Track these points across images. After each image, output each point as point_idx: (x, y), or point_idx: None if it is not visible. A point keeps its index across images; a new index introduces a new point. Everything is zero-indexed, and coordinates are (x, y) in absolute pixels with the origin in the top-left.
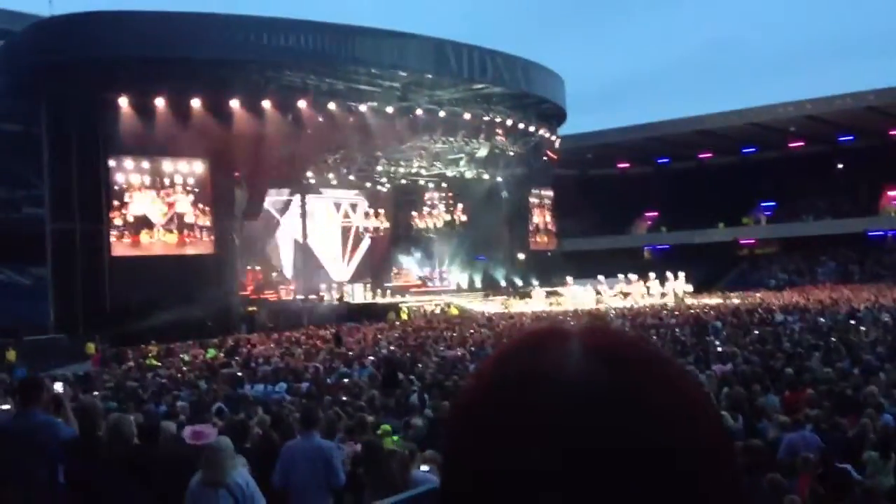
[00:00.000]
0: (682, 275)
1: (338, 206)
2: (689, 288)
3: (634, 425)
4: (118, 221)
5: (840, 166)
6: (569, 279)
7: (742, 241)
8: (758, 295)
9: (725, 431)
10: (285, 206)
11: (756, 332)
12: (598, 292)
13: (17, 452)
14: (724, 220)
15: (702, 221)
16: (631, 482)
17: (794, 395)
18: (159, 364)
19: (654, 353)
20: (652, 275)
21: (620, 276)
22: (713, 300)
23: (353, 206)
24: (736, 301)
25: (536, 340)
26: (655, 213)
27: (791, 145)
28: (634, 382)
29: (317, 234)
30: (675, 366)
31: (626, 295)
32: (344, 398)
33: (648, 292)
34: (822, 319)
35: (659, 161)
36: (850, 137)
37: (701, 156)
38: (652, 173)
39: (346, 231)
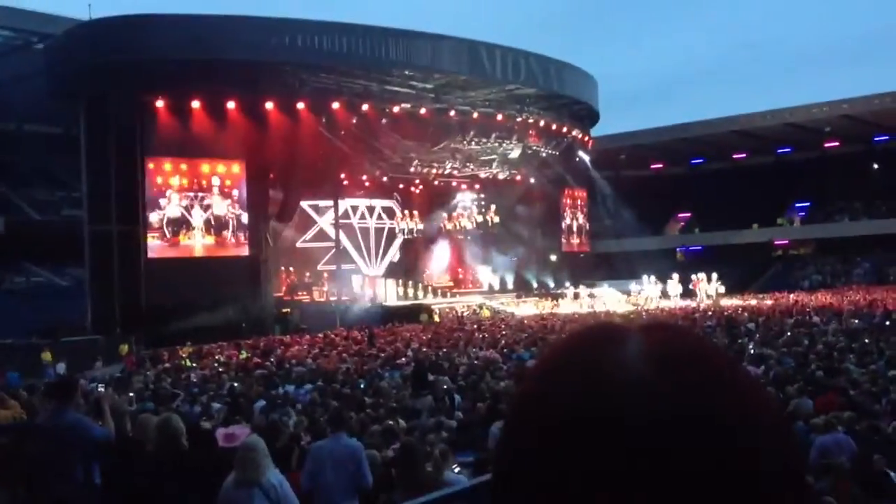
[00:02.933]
0: (714, 276)
1: (371, 208)
2: (722, 289)
3: (689, 429)
4: (155, 223)
5: (876, 166)
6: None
7: (776, 242)
8: (792, 296)
9: (788, 431)
10: (319, 208)
11: (789, 333)
12: (628, 293)
13: (52, 451)
14: (759, 221)
15: (736, 222)
16: (688, 485)
17: (827, 398)
18: (194, 365)
19: (709, 351)
20: (676, 275)
21: (644, 277)
22: (747, 301)
23: (386, 209)
24: (769, 302)
25: (595, 337)
26: (689, 214)
27: (827, 145)
28: (687, 383)
29: (351, 235)
30: (733, 364)
31: (647, 299)
32: (378, 400)
33: (682, 293)
34: (856, 321)
35: (693, 162)
36: (887, 137)
37: (735, 156)
38: (685, 174)
39: (379, 232)
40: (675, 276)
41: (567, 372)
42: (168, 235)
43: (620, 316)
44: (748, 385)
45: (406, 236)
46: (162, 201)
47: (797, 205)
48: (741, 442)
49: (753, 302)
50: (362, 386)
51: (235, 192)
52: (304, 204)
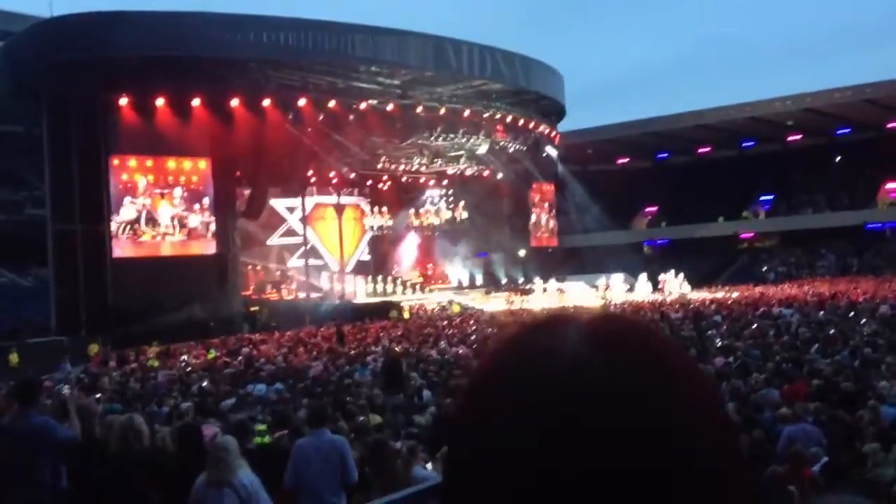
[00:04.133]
0: (681, 275)
1: (340, 205)
2: (687, 287)
3: (626, 409)
4: (119, 222)
5: (838, 159)
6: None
7: (742, 235)
8: (758, 288)
9: (725, 415)
10: (287, 205)
11: (756, 325)
12: (595, 287)
13: (17, 454)
14: (724, 215)
15: (701, 216)
16: (624, 466)
17: (793, 388)
18: (160, 365)
19: (653, 338)
20: (644, 274)
21: (613, 275)
22: (714, 294)
23: (355, 206)
24: (735, 295)
25: (542, 326)
26: (655, 208)
27: (789, 139)
28: (628, 366)
29: (319, 232)
30: (676, 351)
31: (603, 295)
32: (346, 398)
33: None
34: (821, 312)
35: (658, 156)
36: (848, 130)
37: (700, 150)
38: (651, 168)
39: (348, 229)
40: (644, 275)
41: (511, 361)
42: (134, 234)
43: (582, 309)
44: (692, 373)
45: (375, 233)
46: (127, 199)
47: (762, 198)
48: (677, 425)
49: (720, 294)
50: (332, 379)
51: (202, 190)
52: (275, 202)
